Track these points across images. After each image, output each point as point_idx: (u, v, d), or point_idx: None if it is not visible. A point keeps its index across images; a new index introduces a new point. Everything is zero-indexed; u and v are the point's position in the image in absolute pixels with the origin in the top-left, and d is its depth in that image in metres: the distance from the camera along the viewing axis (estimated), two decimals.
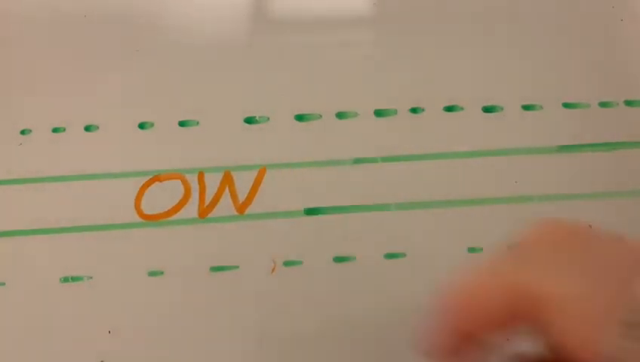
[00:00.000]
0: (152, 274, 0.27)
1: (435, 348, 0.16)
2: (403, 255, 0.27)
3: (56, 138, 0.29)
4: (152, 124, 0.29)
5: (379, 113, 0.29)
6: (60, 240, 0.27)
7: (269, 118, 0.29)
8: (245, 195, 0.28)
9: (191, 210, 0.28)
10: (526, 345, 0.15)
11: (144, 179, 0.28)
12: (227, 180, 0.28)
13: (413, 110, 0.29)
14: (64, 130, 0.29)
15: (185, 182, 0.28)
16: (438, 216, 0.27)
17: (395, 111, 0.29)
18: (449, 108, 0.29)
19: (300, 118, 0.29)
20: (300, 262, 0.27)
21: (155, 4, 0.31)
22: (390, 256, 0.27)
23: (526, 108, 0.29)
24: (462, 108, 0.29)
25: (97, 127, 0.29)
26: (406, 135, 0.29)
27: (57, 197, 0.28)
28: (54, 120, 0.29)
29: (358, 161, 0.28)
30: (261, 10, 0.31)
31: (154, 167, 0.28)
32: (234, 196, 0.28)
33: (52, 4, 0.31)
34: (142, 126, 0.29)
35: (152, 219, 0.27)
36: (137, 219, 0.27)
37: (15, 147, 0.29)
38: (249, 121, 0.29)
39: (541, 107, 0.29)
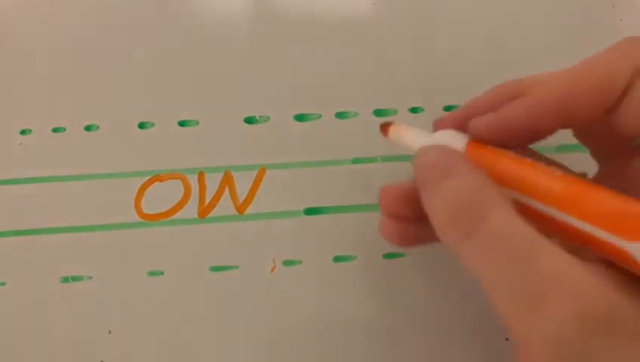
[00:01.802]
0: (152, 274, 0.27)
1: None
2: (403, 255, 0.27)
3: (56, 138, 0.29)
4: (152, 124, 0.29)
5: (379, 113, 0.29)
6: (60, 240, 0.27)
7: (269, 118, 0.29)
8: (245, 195, 0.28)
9: (191, 209, 0.28)
10: None
11: (144, 179, 0.28)
12: (227, 180, 0.28)
13: (413, 110, 0.29)
14: (64, 129, 0.29)
15: (185, 182, 0.28)
16: None
17: (395, 111, 0.29)
18: (449, 108, 0.29)
19: (299, 117, 0.29)
20: (299, 262, 0.27)
21: (155, 4, 0.31)
22: (390, 255, 0.27)
23: None
24: None
25: (97, 127, 0.29)
26: None
27: (57, 197, 0.28)
28: (54, 120, 0.29)
29: (357, 160, 0.28)
30: (261, 9, 0.31)
31: (154, 166, 0.28)
32: (234, 196, 0.28)
33: (52, 3, 0.31)
34: (142, 126, 0.29)
35: (152, 219, 0.27)
36: (137, 218, 0.27)
37: (15, 147, 0.29)
38: (249, 120, 0.29)
39: None
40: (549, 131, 0.18)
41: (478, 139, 0.18)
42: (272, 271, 0.27)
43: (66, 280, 0.27)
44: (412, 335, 0.26)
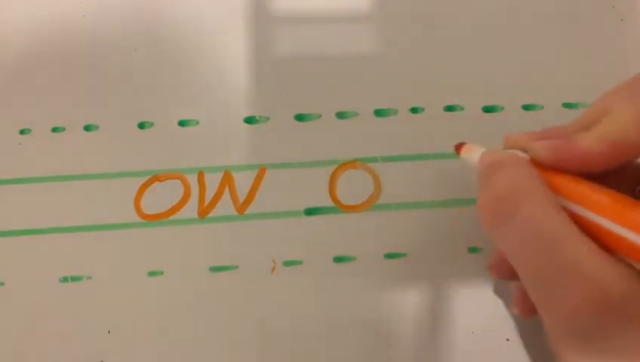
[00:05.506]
0: (152, 274, 0.27)
1: None
2: (403, 255, 0.27)
3: (55, 138, 0.29)
4: (151, 124, 0.29)
5: (379, 113, 0.29)
6: (60, 240, 0.27)
7: (269, 118, 0.29)
8: (245, 195, 0.28)
9: (191, 209, 0.27)
10: None
11: (144, 179, 0.28)
12: (227, 180, 0.28)
13: (414, 110, 0.29)
14: (64, 129, 0.29)
15: (185, 182, 0.28)
16: (438, 216, 0.27)
17: (395, 111, 0.29)
18: (449, 108, 0.29)
19: (300, 117, 0.29)
20: (300, 262, 0.27)
21: (155, 4, 0.31)
22: (390, 256, 0.27)
23: (526, 108, 0.29)
24: (462, 108, 0.29)
25: (97, 127, 0.29)
26: (406, 135, 0.29)
27: (57, 197, 0.28)
28: (54, 119, 0.29)
29: (357, 160, 0.28)
30: (260, 9, 0.31)
31: (153, 166, 0.28)
32: (234, 196, 0.28)
33: (51, 4, 0.31)
34: (141, 126, 0.29)
35: (151, 219, 0.27)
36: (137, 218, 0.27)
37: (14, 147, 0.29)
38: (249, 120, 0.29)
39: (541, 107, 0.29)
40: (601, 170, 0.18)
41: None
42: (272, 271, 0.27)
43: (65, 280, 0.27)
44: (412, 335, 0.26)
